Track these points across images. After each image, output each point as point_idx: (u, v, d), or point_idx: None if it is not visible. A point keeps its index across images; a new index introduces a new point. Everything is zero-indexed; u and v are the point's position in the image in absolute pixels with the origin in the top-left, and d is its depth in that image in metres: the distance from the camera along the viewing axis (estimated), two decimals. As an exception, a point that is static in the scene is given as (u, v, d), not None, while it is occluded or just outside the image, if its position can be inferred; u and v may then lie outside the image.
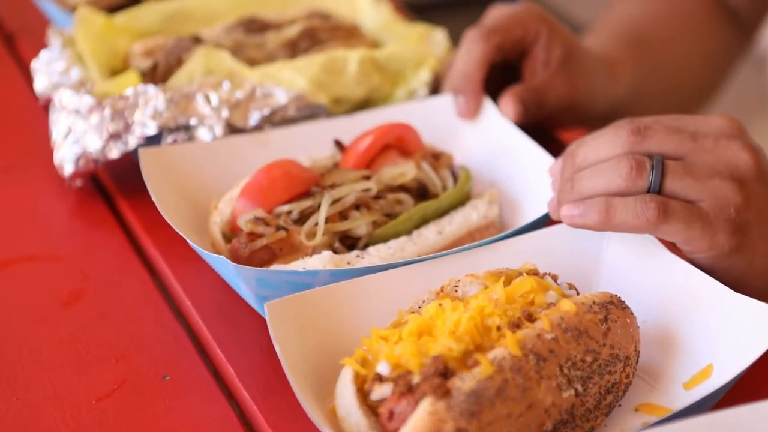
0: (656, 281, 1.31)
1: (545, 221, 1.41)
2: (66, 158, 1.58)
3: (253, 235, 1.34)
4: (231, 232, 1.39)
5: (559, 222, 1.34)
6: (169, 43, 1.71)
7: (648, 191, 1.27)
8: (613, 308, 1.19)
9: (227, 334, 1.35)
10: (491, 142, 1.58)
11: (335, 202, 1.37)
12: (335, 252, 1.34)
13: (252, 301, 1.33)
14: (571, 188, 1.30)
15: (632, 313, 1.22)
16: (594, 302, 1.19)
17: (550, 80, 1.65)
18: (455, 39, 1.82)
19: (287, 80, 1.60)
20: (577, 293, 1.25)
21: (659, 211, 1.25)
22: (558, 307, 1.17)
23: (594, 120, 1.73)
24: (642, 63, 1.84)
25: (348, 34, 1.76)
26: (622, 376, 1.19)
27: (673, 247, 1.31)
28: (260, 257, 1.34)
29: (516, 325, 1.15)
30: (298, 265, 1.31)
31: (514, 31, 1.64)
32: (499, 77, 1.67)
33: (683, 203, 1.26)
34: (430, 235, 1.39)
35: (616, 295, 1.21)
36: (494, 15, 1.66)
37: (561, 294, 1.21)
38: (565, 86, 1.66)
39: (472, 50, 1.60)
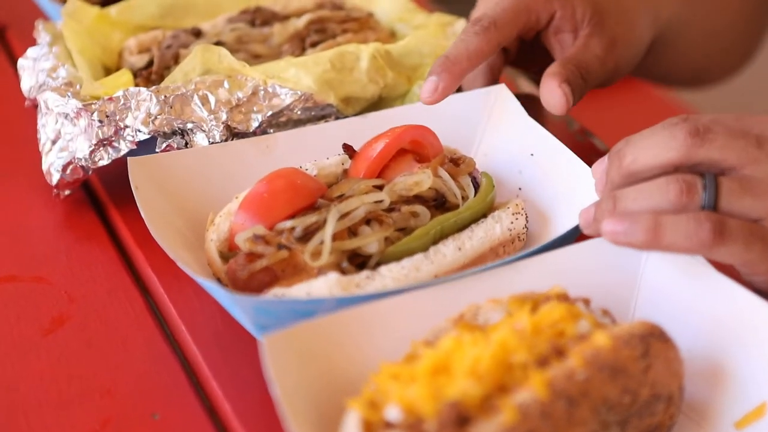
0: (702, 305, 1.17)
1: (577, 234, 1.27)
2: (53, 165, 1.46)
3: (252, 256, 1.21)
4: (229, 251, 1.27)
5: (591, 237, 1.21)
6: (165, 38, 1.58)
7: None
8: (654, 341, 1.06)
9: (224, 365, 1.23)
10: (518, 145, 1.44)
11: (343, 216, 1.24)
12: (343, 272, 1.21)
13: (251, 330, 1.20)
14: (612, 207, 1.17)
15: (675, 346, 1.08)
16: (632, 335, 1.06)
17: (585, 44, 1.47)
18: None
19: (292, 79, 1.47)
20: (613, 321, 1.12)
21: (715, 232, 1.11)
22: (591, 340, 1.04)
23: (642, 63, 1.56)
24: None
25: (361, 25, 1.63)
26: (665, 417, 1.07)
27: (721, 266, 1.17)
28: (260, 280, 1.21)
29: (543, 362, 1.02)
30: (302, 288, 1.18)
31: (519, 19, 1.46)
32: (533, 55, 1.51)
33: (741, 222, 1.12)
34: (448, 252, 1.25)
35: (658, 326, 1.08)
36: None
37: (594, 323, 1.09)
38: (603, 44, 1.48)
39: (468, 42, 1.43)
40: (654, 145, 1.16)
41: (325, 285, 1.18)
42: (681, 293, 1.19)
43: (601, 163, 1.25)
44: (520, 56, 1.56)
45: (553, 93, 1.41)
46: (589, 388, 1.00)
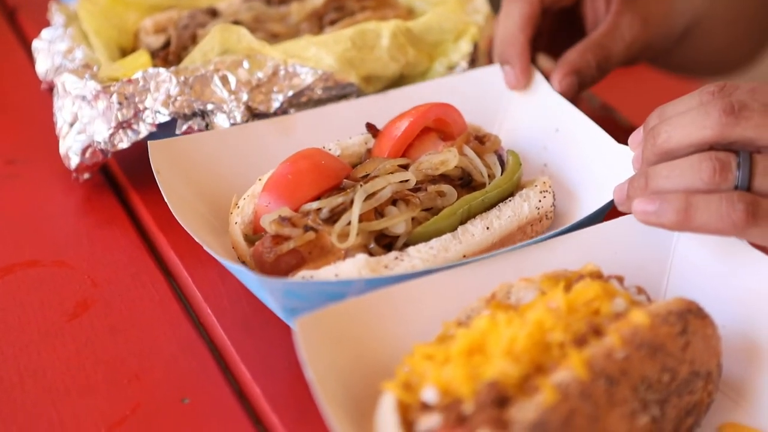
0: (737, 281, 1.16)
1: (606, 211, 1.25)
2: (72, 149, 1.44)
3: (278, 238, 1.20)
4: (254, 233, 1.25)
5: (621, 215, 1.19)
6: (182, 17, 1.56)
7: None
8: (692, 318, 1.05)
9: (253, 348, 1.21)
10: (543, 120, 1.42)
11: (369, 197, 1.22)
12: (371, 254, 1.19)
13: (279, 313, 1.19)
14: (645, 185, 1.14)
15: (713, 323, 1.07)
16: (670, 312, 1.04)
17: (615, 24, 1.46)
18: (496, 4, 1.66)
19: (313, 58, 1.44)
20: (648, 298, 1.11)
21: (748, 213, 1.09)
22: (628, 318, 1.03)
23: (667, 52, 1.54)
24: None
25: (380, 2, 1.61)
26: (703, 394, 1.05)
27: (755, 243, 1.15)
28: (287, 262, 1.19)
29: (581, 341, 1.01)
30: (330, 270, 1.16)
31: None
32: (559, 29, 1.49)
33: None
34: (476, 231, 1.24)
35: (695, 303, 1.06)
36: None
37: (630, 301, 1.07)
38: (635, 26, 1.47)
39: (512, 12, 1.44)
40: (688, 123, 1.14)
41: (354, 267, 1.16)
42: (714, 269, 1.18)
43: (637, 135, 1.23)
44: (556, 35, 1.53)
45: (556, 83, 1.43)
46: (629, 367, 0.98)
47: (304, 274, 1.17)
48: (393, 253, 1.19)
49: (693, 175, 1.11)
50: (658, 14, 1.50)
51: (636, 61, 1.51)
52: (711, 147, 1.13)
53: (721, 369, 1.08)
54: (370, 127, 1.34)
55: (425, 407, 0.98)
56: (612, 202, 1.24)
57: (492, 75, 1.47)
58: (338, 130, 1.38)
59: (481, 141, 1.34)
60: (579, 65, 1.43)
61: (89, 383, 1.18)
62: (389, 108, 1.39)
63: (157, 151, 1.31)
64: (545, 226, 1.30)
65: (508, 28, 1.44)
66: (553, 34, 1.52)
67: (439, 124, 1.34)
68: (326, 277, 1.16)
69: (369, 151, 1.34)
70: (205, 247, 1.16)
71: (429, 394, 0.98)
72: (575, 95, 1.43)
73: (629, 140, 1.25)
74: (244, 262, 1.24)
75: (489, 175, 1.31)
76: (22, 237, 1.40)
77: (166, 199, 1.24)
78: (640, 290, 1.11)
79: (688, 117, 1.14)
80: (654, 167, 1.14)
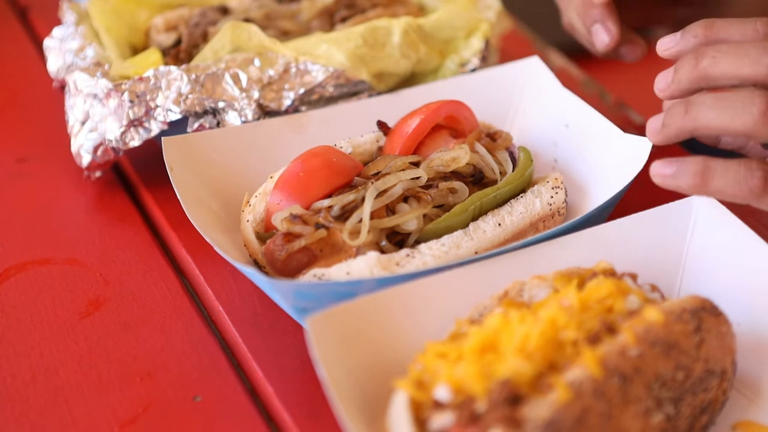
0: (751, 278, 1.15)
1: (616, 202, 1.25)
2: (83, 147, 1.44)
3: (289, 236, 1.19)
4: (266, 231, 1.25)
5: (634, 212, 1.19)
6: (193, 15, 1.56)
7: None
8: (706, 315, 1.04)
9: (265, 346, 1.21)
10: (553, 117, 1.42)
11: (381, 194, 1.21)
12: (382, 251, 1.19)
13: (291, 313, 1.19)
14: (684, 112, 1.09)
15: (728, 320, 1.06)
16: (684, 309, 1.03)
17: None
18: (508, 1, 1.66)
19: (324, 55, 1.44)
20: (662, 296, 1.10)
21: (766, 180, 1.07)
22: (642, 316, 1.02)
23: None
24: None
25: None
26: (718, 392, 1.05)
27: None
28: (298, 260, 1.19)
29: (594, 339, 1.00)
30: (342, 268, 1.16)
31: None
32: None
33: None
34: (488, 228, 1.23)
35: (709, 300, 1.06)
36: None
37: (643, 298, 1.06)
38: None
39: None
40: (743, 54, 1.07)
41: (365, 264, 1.16)
42: (728, 266, 1.17)
43: (672, 39, 1.16)
44: None
45: (601, 34, 1.39)
46: (643, 365, 0.98)
47: (315, 272, 1.17)
48: (404, 251, 1.19)
49: (743, 109, 1.06)
50: None
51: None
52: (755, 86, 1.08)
53: (735, 367, 1.07)
54: (382, 125, 1.34)
55: (438, 405, 0.97)
56: (621, 192, 1.23)
57: (502, 73, 1.47)
58: (350, 128, 1.37)
59: (492, 138, 1.33)
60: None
61: (101, 381, 1.18)
62: (401, 106, 1.39)
63: (170, 147, 1.31)
64: (557, 222, 1.30)
65: None
66: None
67: (450, 122, 1.33)
68: (338, 275, 1.16)
69: (380, 149, 1.33)
70: (216, 248, 1.16)
71: (442, 392, 0.97)
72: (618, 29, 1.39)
73: (659, 42, 1.17)
74: (255, 260, 1.24)
75: (500, 172, 1.30)
76: (34, 235, 1.40)
77: (178, 196, 1.23)
78: (654, 288, 1.10)
79: (744, 48, 1.08)
80: (698, 95, 1.09)
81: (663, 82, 1.15)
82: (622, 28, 1.41)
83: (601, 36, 1.40)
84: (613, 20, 1.40)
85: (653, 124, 1.15)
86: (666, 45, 1.17)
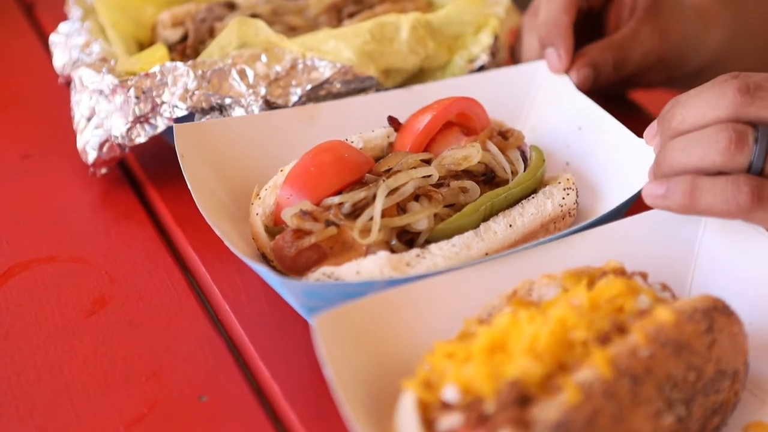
0: (763, 277, 1.14)
1: (627, 207, 1.24)
2: (89, 143, 1.43)
3: (299, 232, 1.18)
4: (275, 225, 1.24)
5: (644, 212, 1.18)
6: (200, 11, 1.55)
7: (748, 169, 1.09)
8: (718, 315, 1.03)
9: (271, 345, 1.20)
10: (566, 119, 1.41)
11: (392, 192, 1.20)
12: (393, 250, 1.18)
13: (299, 310, 1.18)
14: (663, 159, 1.14)
15: (740, 320, 1.05)
16: (696, 309, 1.02)
17: (637, 30, 1.47)
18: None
19: (331, 51, 1.43)
20: (673, 295, 1.09)
21: (753, 196, 1.08)
22: (653, 316, 1.01)
23: (683, 79, 1.54)
24: (735, 15, 1.62)
25: (398, -6, 1.59)
26: (730, 393, 1.04)
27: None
28: (308, 257, 1.18)
29: (604, 340, 0.99)
30: (351, 267, 1.15)
31: None
32: (582, 29, 1.49)
33: None
34: (499, 229, 1.22)
35: (720, 300, 1.05)
36: None
37: (654, 298, 1.05)
38: (654, 36, 1.48)
39: None
40: (702, 104, 1.12)
41: (375, 264, 1.15)
42: (740, 265, 1.16)
43: (652, 128, 1.22)
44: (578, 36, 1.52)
45: (573, 73, 1.43)
46: (653, 365, 0.97)
47: (324, 270, 1.16)
48: (414, 251, 1.17)
49: (709, 146, 1.10)
50: (675, 35, 1.50)
51: (650, 75, 1.52)
52: None
53: (747, 367, 1.06)
54: (393, 121, 1.33)
55: (446, 406, 0.96)
56: (633, 197, 1.22)
57: (516, 74, 1.46)
58: (360, 122, 1.36)
59: (504, 136, 1.32)
60: (597, 60, 1.44)
61: (107, 380, 1.17)
62: (413, 102, 1.38)
63: (182, 134, 1.29)
64: (568, 224, 1.28)
65: (552, 10, 1.44)
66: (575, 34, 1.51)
67: (462, 119, 1.32)
68: (347, 274, 1.15)
69: (391, 145, 1.32)
70: (226, 242, 1.15)
71: (450, 392, 0.96)
72: (590, 88, 1.43)
73: (644, 134, 1.24)
74: (264, 254, 1.23)
75: (512, 171, 1.29)
76: (39, 232, 1.39)
77: (188, 183, 1.22)
78: (665, 287, 1.09)
79: (703, 98, 1.12)
80: (670, 142, 1.13)
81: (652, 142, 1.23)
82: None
83: (552, 60, 1.44)
84: (566, 48, 1.43)
85: (649, 174, 1.20)
86: (649, 134, 1.23)
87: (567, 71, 1.44)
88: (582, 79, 1.43)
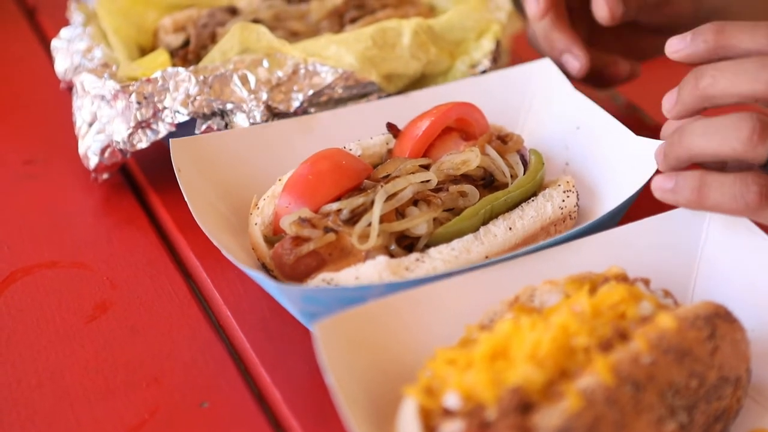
0: (766, 282, 1.13)
1: (627, 207, 1.23)
2: (91, 149, 1.43)
3: (298, 239, 1.18)
4: (274, 234, 1.24)
5: (644, 217, 1.18)
6: (201, 16, 1.55)
7: (767, 163, 1.08)
8: (720, 322, 1.02)
9: (273, 351, 1.20)
10: (564, 119, 1.41)
11: (390, 197, 1.20)
12: (392, 255, 1.18)
13: (298, 317, 1.17)
14: (679, 141, 1.11)
15: (742, 327, 1.05)
16: (698, 316, 1.02)
17: None
18: (519, 2, 1.64)
19: (333, 56, 1.43)
20: (675, 302, 1.08)
21: (761, 195, 1.07)
22: (655, 322, 1.00)
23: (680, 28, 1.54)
24: None
25: (401, 0, 1.58)
26: (732, 400, 1.03)
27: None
28: (307, 264, 1.18)
29: (606, 346, 0.99)
30: (350, 273, 1.15)
31: None
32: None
33: None
34: (499, 232, 1.22)
35: (723, 306, 1.04)
36: None
37: (656, 304, 1.05)
38: None
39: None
40: (740, 72, 1.08)
41: (374, 269, 1.15)
42: (742, 271, 1.15)
43: (681, 41, 1.17)
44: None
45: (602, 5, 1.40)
46: (656, 372, 0.96)
47: (324, 276, 1.16)
48: (414, 255, 1.17)
49: (730, 133, 1.07)
50: None
51: (649, 16, 1.49)
52: (755, 102, 1.10)
53: (750, 374, 1.05)
54: (391, 127, 1.33)
55: (447, 413, 0.96)
56: (634, 196, 1.22)
57: (514, 76, 1.45)
58: (360, 129, 1.36)
59: (503, 140, 1.32)
60: None
61: (108, 386, 1.17)
62: (412, 108, 1.37)
63: (178, 148, 1.30)
64: (569, 226, 1.28)
65: (543, 26, 1.43)
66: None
67: (461, 124, 1.32)
68: (346, 279, 1.14)
69: (390, 152, 1.32)
70: (224, 251, 1.15)
71: (451, 399, 0.96)
72: (621, 16, 1.40)
73: (668, 43, 1.18)
74: (263, 263, 1.23)
75: (511, 175, 1.29)
76: (40, 238, 1.39)
77: (186, 198, 1.22)
78: (667, 293, 1.09)
79: (742, 66, 1.08)
80: (689, 124, 1.11)
81: (668, 103, 1.17)
82: (599, 53, 1.44)
83: (572, 64, 1.44)
84: (578, 46, 1.43)
85: (658, 152, 1.17)
86: (675, 47, 1.18)
87: (583, 71, 1.44)
88: (612, 6, 1.39)
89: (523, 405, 0.93)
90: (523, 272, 1.14)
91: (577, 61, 1.43)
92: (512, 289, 1.10)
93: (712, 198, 1.09)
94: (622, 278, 1.09)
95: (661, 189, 1.12)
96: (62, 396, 1.15)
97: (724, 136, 1.07)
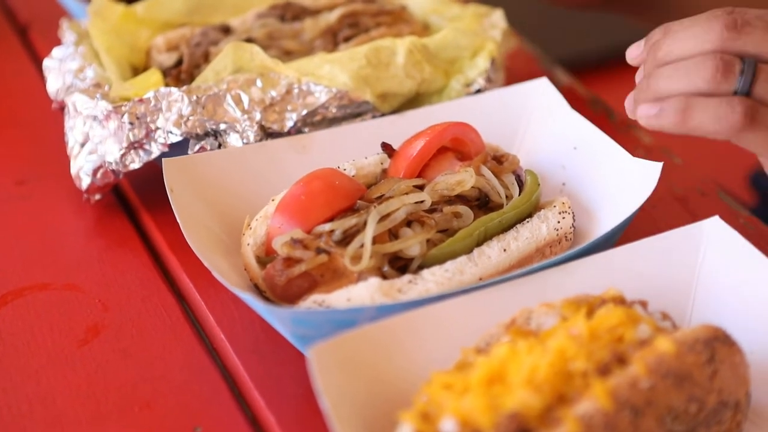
0: (764, 303, 1.13)
1: (624, 228, 1.22)
2: (83, 169, 1.42)
3: (290, 260, 1.17)
4: (267, 255, 1.22)
5: (641, 238, 1.17)
6: (194, 35, 1.54)
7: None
8: (720, 345, 1.01)
9: (266, 374, 1.19)
10: (561, 139, 1.40)
11: (383, 218, 1.19)
12: (384, 277, 1.17)
13: (291, 340, 1.16)
14: (647, 86, 1.15)
15: (741, 350, 1.04)
16: (697, 339, 1.00)
17: None
18: (514, 19, 1.63)
19: (327, 76, 1.42)
20: (673, 325, 1.07)
21: (746, 116, 1.10)
22: (654, 346, 0.99)
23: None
24: None
25: (394, 18, 1.58)
26: (732, 425, 1.02)
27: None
28: (299, 285, 1.17)
29: (604, 370, 0.98)
30: (342, 294, 1.14)
31: None
32: None
33: None
34: (493, 253, 1.21)
35: (721, 330, 1.03)
36: None
37: (655, 327, 1.04)
38: None
39: None
40: (690, 37, 1.14)
41: (366, 290, 1.14)
42: (740, 292, 1.14)
43: (637, 48, 1.23)
44: None
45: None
46: (654, 397, 0.95)
47: (315, 298, 1.14)
48: (407, 277, 1.16)
49: (696, 73, 1.12)
50: None
51: None
52: None
53: (749, 398, 1.04)
54: (386, 147, 1.32)
55: (444, 439, 0.95)
56: (629, 218, 1.21)
57: (510, 95, 1.45)
58: (354, 149, 1.35)
59: (498, 161, 1.31)
60: None
61: (100, 411, 1.15)
62: (407, 128, 1.36)
63: (171, 168, 1.28)
64: (565, 248, 1.27)
65: None
66: None
67: (456, 144, 1.31)
68: (338, 301, 1.13)
69: (384, 171, 1.31)
70: (215, 273, 1.14)
71: (448, 425, 0.95)
72: None
73: (627, 52, 1.24)
74: (256, 285, 1.21)
75: (507, 196, 1.28)
76: (32, 259, 1.38)
77: (177, 219, 1.21)
78: (665, 316, 1.08)
79: (691, 31, 1.14)
80: (657, 69, 1.15)
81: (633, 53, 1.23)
82: None
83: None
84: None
85: (628, 103, 1.20)
86: (632, 54, 1.24)
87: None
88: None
89: (521, 431, 0.92)
90: (519, 294, 1.13)
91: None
92: (508, 312, 1.09)
93: (697, 118, 1.11)
94: (620, 300, 1.08)
95: (645, 116, 1.15)
96: (53, 422, 1.14)
97: (690, 77, 1.12)
